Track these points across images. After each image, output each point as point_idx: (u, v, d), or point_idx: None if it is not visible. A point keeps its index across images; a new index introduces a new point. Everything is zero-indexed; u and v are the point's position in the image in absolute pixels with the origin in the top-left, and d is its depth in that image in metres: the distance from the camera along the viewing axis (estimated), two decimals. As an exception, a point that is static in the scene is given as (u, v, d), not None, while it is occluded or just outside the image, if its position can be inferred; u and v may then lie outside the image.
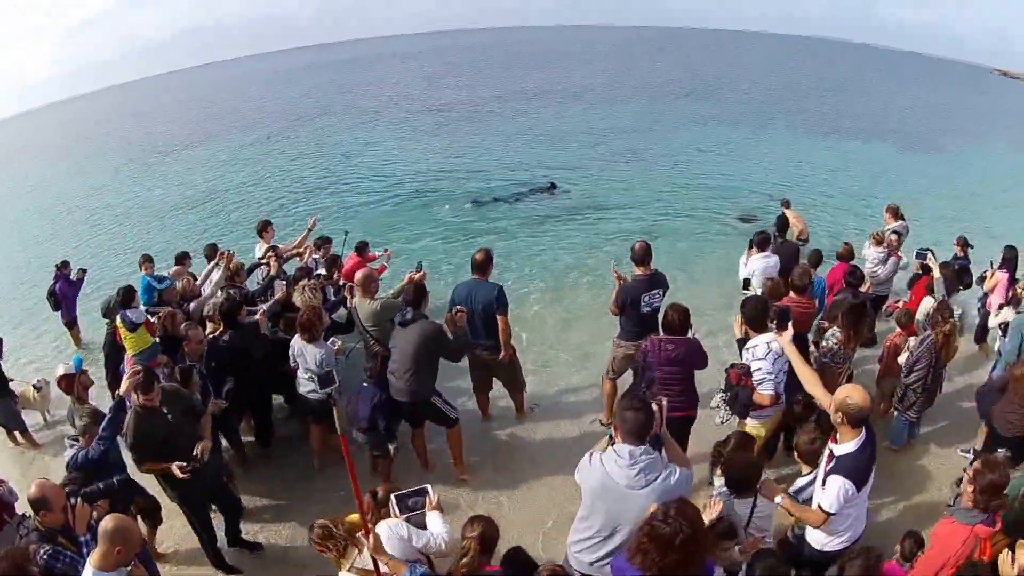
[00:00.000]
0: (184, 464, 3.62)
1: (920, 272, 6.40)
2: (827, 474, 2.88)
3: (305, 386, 4.69)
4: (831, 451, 2.93)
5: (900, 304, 5.85)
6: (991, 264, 6.78)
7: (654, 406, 2.85)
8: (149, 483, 4.02)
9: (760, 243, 6.50)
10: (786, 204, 9.77)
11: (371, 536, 2.72)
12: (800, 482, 3.39)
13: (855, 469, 2.82)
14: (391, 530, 2.83)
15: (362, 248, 7.20)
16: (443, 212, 12.55)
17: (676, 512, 2.10)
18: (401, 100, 28.84)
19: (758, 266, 6.32)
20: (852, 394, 2.82)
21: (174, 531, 4.37)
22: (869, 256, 6.94)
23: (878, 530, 3.84)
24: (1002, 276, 6.40)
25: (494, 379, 5.27)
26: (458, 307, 4.59)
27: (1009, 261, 6.57)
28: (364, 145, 19.63)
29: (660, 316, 4.49)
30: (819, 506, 2.89)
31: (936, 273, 5.65)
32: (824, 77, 43.50)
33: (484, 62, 47.08)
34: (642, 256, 4.81)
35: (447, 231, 11.49)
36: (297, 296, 5.25)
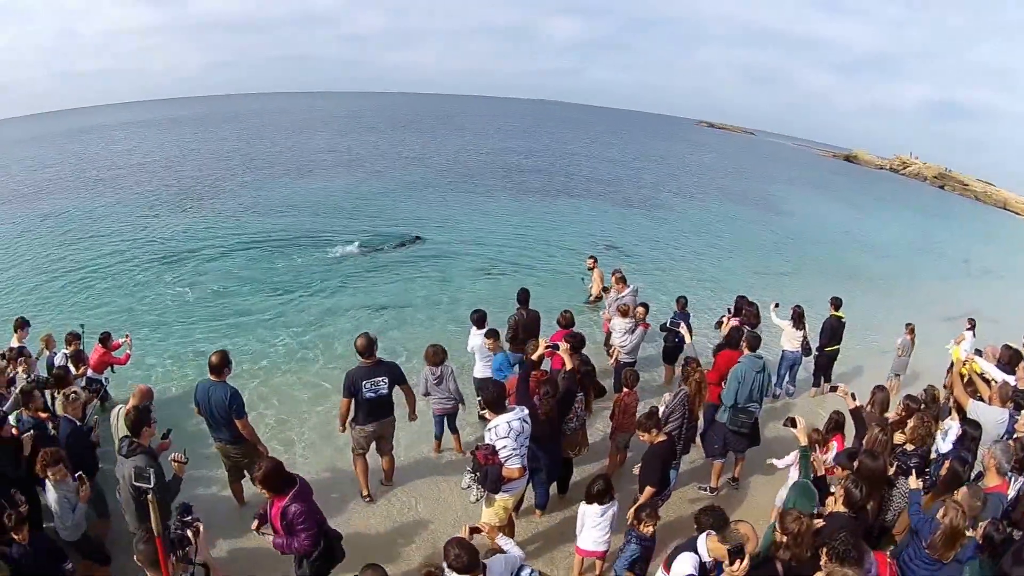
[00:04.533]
0: None
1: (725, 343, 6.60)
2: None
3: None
4: None
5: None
6: (728, 311, 7.72)
7: None
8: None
9: (477, 321, 6.53)
10: (594, 261, 9.77)
11: None
12: None
13: None
14: None
15: (106, 339, 6.98)
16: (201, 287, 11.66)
17: None
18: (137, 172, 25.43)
19: (476, 343, 6.43)
20: None
21: None
22: (616, 327, 7.10)
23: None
24: (735, 321, 7.36)
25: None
26: (175, 454, 4.30)
27: (739, 308, 7.60)
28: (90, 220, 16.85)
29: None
30: None
31: (688, 339, 6.34)
32: (564, 140, 48.78)
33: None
34: (362, 349, 5.11)
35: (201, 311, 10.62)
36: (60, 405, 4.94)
